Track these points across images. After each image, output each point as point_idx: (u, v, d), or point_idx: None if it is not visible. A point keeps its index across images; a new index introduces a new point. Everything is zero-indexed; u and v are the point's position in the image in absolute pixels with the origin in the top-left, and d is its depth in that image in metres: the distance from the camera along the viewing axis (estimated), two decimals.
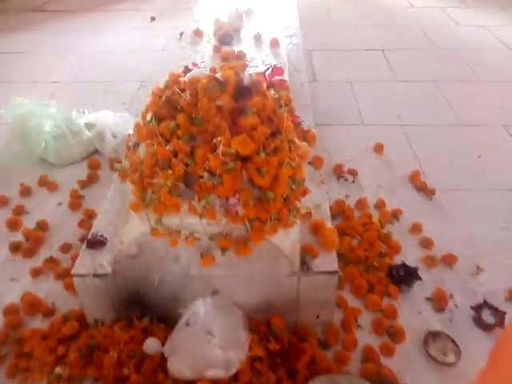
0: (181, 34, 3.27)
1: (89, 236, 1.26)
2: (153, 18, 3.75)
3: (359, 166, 1.99)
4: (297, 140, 1.12)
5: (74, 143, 2.03)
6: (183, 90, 1.13)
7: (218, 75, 1.11)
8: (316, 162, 1.54)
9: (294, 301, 1.22)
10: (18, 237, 1.67)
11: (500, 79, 2.69)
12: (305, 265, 1.16)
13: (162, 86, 1.19)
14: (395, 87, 2.65)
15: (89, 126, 2.06)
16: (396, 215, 1.72)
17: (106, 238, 1.25)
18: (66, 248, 1.61)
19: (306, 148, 1.14)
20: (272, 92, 1.22)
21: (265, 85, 1.17)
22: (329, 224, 1.28)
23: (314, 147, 1.69)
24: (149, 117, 1.09)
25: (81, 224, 1.71)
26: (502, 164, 1.99)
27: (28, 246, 1.61)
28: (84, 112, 2.22)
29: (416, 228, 1.66)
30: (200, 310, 1.07)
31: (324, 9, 3.87)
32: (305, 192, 1.16)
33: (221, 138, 1.02)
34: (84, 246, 1.24)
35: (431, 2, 4.00)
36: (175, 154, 1.04)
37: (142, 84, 2.75)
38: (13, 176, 1.96)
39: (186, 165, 1.03)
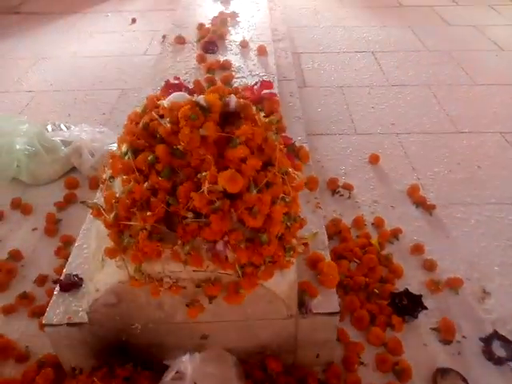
0: (163, 38, 3.13)
1: (62, 277, 1.14)
2: (133, 20, 3.59)
3: (354, 180, 1.89)
4: (291, 170, 1.01)
5: (49, 161, 1.88)
6: (162, 116, 1.01)
7: (201, 98, 0.99)
8: (310, 184, 1.42)
9: (291, 342, 1.11)
10: None
11: (494, 82, 2.61)
12: (303, 306, 1.05)
13: (138, 110, 1.07)
14: (388, 92, 2.55)
15: (65, 142, 1.92)
16: (395, 234, 1.62)
17: (81, 279, 1.13)
18: (41, 281, 1.48)
19: (301, 178, 1.03)
20: (262, 115, 1.11)
21: (254, 108, 1.05)
22: (327, 256, 1.18)
23: (306, 163, 1.60)
24: (124, 148, 0.97)
25: (57, 252, 1.59)
26: (502, 174, 1.91)
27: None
28: (60, 126, 2.08)
29: (417, 249, 1.56)
30: (187, 367, 0.95)
31: (311, 9, 3.74)
32: (301, 225, 1.05)
33: (206, 173, 0.90)
34: (57, 289, 1.11)
35: (420, 1, 3.90)
36: (154, 192, 0.92)
37: (122, 92, 2.60)
38: None
39: (167, 204, 0.91)
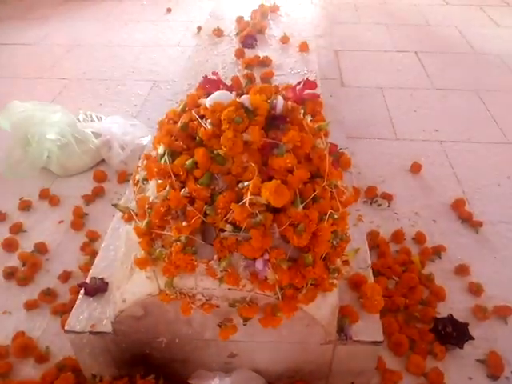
0: (198, 29, 3.06)
1: (87, 280, 1.08)
2: (168, 10, 3.53)
3: (394, 189, 1.77)
4: (339, 182, 0.91)
5: (79, 153, 1.85)
6: (203, 117, 0.93)
7: (246, 99, 0.91)
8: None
9: (325, 369, 1.03)
10: (14, 260, 1.50)
11: None
12: (343, 332, 0.96)
13: (177, 108, 0.99)
14: (432, 96, 2.40)
15: (96, 134, 1.88)
16: (438, 252, 1.50)
17: (106, 284, 1.07)
18: (65, 277, 1.44)
19: (351, 193, 0.93)
20: (309, 119, 1.02)
21: (302, 111, 0.96)
22: (370, 277, 1.08)
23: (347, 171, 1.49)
24: (161, 150, 0.89)
25: (83, 248, 1.55)
26: None
27: (24, 273, 1.45)
28: (91, 116, 2.03)
29: (462, 269, 1.44)
30: None
31: (351, 5, 3.59)
32: (346, 242, 0.96)
33: (248, 183, 0.81)
34: (81, 293, 1.06)
35: (468, 0, 3.69)
36: (191, 200, 0.85)
37: (154, 84, 2.55)
38: (12, 187, 1.80)
39: (204, 214, 0.83)
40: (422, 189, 1.80)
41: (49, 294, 1.37)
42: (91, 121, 1.97)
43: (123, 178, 1.83)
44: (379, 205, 1.72)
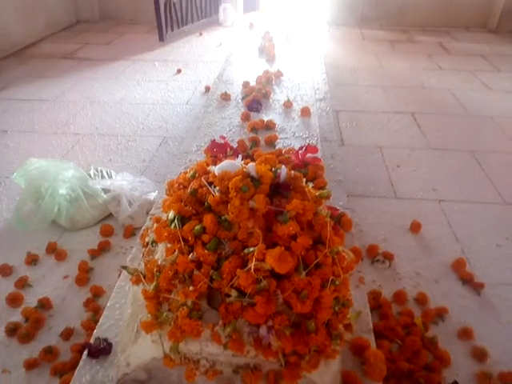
0: (206, 89, 3.25)
1: (91, 340, 1.09)
2: (179, 71, 3.76)
3: (395, 248, 1.80)
4: (341, 249, 0.95)
5: (88, 207, 1.90)
6: (212, 184, 0.99)
7: (252, 168, 0.97)
8: (354, 255, 1.35)
9: None
10: (17, 316, 1.51)
11: None
12: None
13: (188, 175, 1.06)
14: (429, 156, 2.49)
15: (105, 189, 1.95)
16: (441, 314, 1.50)
17: (110, 344, 1.07)
18: (67, 334, 1.44)
19: (352, 258, 0.97)
20: (310, 186, 1.08)
21: (304, 180, 1.03)
22: (372, 341, 1.08)
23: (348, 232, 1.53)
24: (171, 215, 0.95)
25: (86, 303, 1.56)
26: None
27: (26, 330, 1.44)
28: (102, 172, 2.12)
29: (465, 333, 1.44)
30: None
31: (350, 68, 3.83)
32: (348, 308, 0.97)
33: (254, 249, 0.86)
34: (85, 354, 1.06)
35: (460, 65, 3.93)
36: (198, 265, 0.88)
37: (163, 140, 2.66)
38: (21, 241, 1.84)
39: (211, 279, 0.87)
40: (422, 248, 1.83)
41: (50, 352, 1.36)
42: (101, 176, 2.05)
43: (129, 232, 1.87)
44: (382, 262, 1.73)
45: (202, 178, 1.01)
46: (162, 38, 4.45)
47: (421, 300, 1.56)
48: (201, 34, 4.85)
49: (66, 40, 4.68)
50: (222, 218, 0.93)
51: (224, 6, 5.16)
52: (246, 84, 2.24)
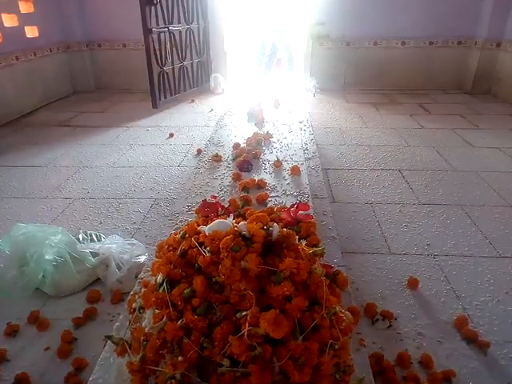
0: (198, 152, 3.33)
1: None
2: (171, 135, 3.87)
3: (393, 306, 1.74)
4: (338, 309, 0.91)
5: (74, 272, 1.84)
6: (202, 244, 0.97)
7: (244, 227, 0.96)
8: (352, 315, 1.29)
9: None
10: None
11: None
12: None
13: (177, 236, 1.04)
14: (419, 211, 2.51)
15: (94, 253, 1.90)
16: (448, 378, 1.41)
17: None
18: None
19: (350, 318, 0.92)
20: (304, 243, 1.06)
21: (297, 238, 1.01)
22: None
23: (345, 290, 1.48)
24: (159, 279, 0.91)
25: (67, 379, 1.44)
26: None
27: None
28: (91, 235, 2.08)
29: None
30: None
31: (336, 129, 3.99)
32: (350, 374, 0.91)
33: (246, 313, 0.81)
34: None
35: (441, 124, 4.12)
36: (188, 332, 0.83)
37: (154, 202, 2.66)
38: (1, 310, 1.74)
39: (202, 347, 0.81)
40: (421, 306, 1.77)
41: None
42: (91, 240, 2.01)
43: (117, 298, 1.79)
44: (383, 319, 1.66)
45: (192, 239, 0.99)
46: (155, 105, 4.63)
47: (425, 362, 1.47)
48: (193, 101, 5.07)
49: (61, 109, 4.85)
50: (213, 280, 0.90)
51: (215, 75, 5.47)
52: (236, 145, 2.30)
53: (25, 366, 1.49)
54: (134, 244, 1.96)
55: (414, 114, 4.47)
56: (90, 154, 3.46)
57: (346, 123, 4.19)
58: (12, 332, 1.63)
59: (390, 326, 1.66)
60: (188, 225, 1.04)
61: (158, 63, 4.53)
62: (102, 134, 3.97)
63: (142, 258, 1.93)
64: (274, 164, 2.09)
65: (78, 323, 1.68)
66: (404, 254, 2.13)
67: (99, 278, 1.91)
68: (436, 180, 2.92)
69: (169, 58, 4.66)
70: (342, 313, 0.92)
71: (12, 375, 1.44)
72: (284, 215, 1.45)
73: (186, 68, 5.10)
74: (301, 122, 3.00)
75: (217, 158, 2.18)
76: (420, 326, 1.66)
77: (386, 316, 1.69)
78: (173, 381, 0.76)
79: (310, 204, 1.72)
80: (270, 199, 1.74)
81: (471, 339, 1.57)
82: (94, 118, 4.45)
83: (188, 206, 1.78)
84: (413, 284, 1.87)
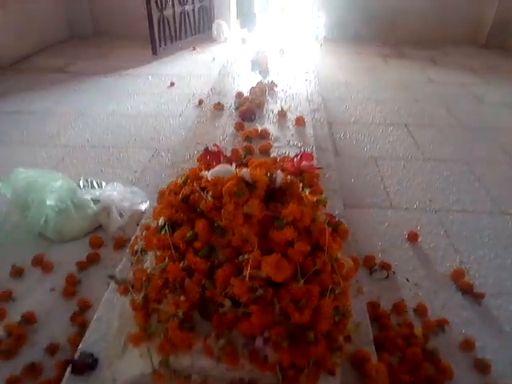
0: (199, 102, 3.24)
1: (76, 356, 1.03)
2: (172, 84, 3.75)
3: (392, 258, 1.76)
4: (339, 255, 0.91)
5: (76, 218, 1.85)
6: (204, 189, 0.95)
7: (247, 174, 0.94)
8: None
9: None
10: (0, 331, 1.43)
11: None
12: None
13: (179, 180, 1.02)
14: (423, 166, 2.48)
15: (95, 200, 1.90)
16: (441, 326, 1.46)
17: (96, 360, 1.01)
18: (52, 350, 1.36)
19: (351, 265, 0.93)
20: (307, 192, 1.04)
21: (300, 185, 0.99)
22: (374, 354, 1.03)
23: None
24: (161, 222, 0.90)
25: (73, 317, 1.48)
26: None
27: (8, 346, 1.37)
28: (92, 182, 2.07)
29: (467, 344, 1.39)
30: None
31: (343, 82, 3.85)
32: (348, 318, 0.93)
33: (248, 256, 0.81)
34: (68, 370, 1.00)
35: (451, 78, 3.98)
36: (190, 273, 0.84)
37: (155, 152, 2.63)
38: (6, 253, 1.77)
39: (203, 288, 0.82)
40: (420, 258, 1.79)
41: (33, 369, 1.29)
42: (91, 187, 2.00)
43: (120, 244, 1.81)
44: (380, 270, 1.69)
45: (195, 184, 0.97)
46: (155, 51, 4.46)
47: (420, 311, 1.51)
48: (194, 49, 4.88)
49: (58, 54, 4.67)
50: (215, 224, 0.89)
51: (218, 23, 5.21)
52: (239, 94, 2.23)
53: (31, 305, 1.53)
54: (134, 192, 1.95)
55: (425, 68, 4.31)
56: (88, 102, 3.37)
57: (353, 76, 4.05)
58: (17, 273, 1.66)
59: (388, 276, 1.69)
60: (189, 170, 1.02)
61: (157, 7, 4.30)
62: (101, 81, 3.85)
63: (143, 207, 1.93)
64: (277, 114, 2.03)
65: (82, 267, 1.71)
66: (405, 208, 2.13)
67: (101, 225, 1.92)
68: (442, 136, 2.86)
69: (169, 0, 4.42)
70: (343, 259, 0.92)
71: (19, 313, 1.48)
72: (287, 165, 1.42)
73: (188, 13, 4.85)
74: (306, 73, 2.89)
75: (219, 107, 2.11)
76: (417, 277, 1.69)
77: (384, 267, 1.71)
78: (175, 319, 0.78)
79: (314, 155, 1.69)
80: (273, 149, 1.71)
81: (466, 291, 1.61)
82: (91, 65, 4.29)
83: (189, 154, 1.76)
84: (412, 238, 1.88)
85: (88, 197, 1.86)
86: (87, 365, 0.99)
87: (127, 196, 1.92)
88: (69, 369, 0.99)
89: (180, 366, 0.79)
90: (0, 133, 2.84)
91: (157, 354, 0.80)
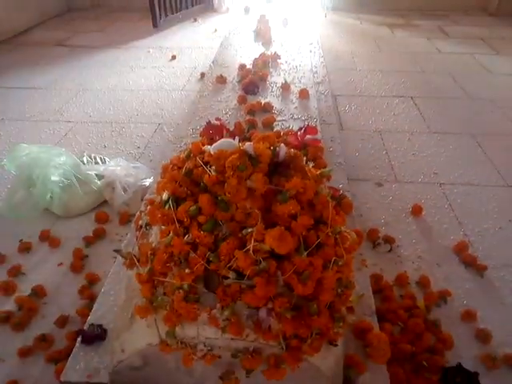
0: (201, 75, 3.18)
1: (85, 327, 1.06)
2: (173, 57, 3.68)
3: (396, 232, 1.77)
4: (343, 228, 0.91)
5: (81, 194, 1.86)
6: (207, 163, 0.95)
7: (250, 147, 0.93)
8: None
9: None
10: (11, 304, 1.47)
11: None
12: (349, 383, 0.92)
13: (182, 154, 1.01)
14: (429, 140, 2.45)
15: (100, 176, 1.90)
16: (444, 297, 1.47)
17: (105, 331, 1.04)
18: (62, 322, 1.40)
19: (355, 238, 0.93)
20: (311, 165, 1.04)
21: (304, 159, 0.98)
22: (375, 324, 1.05)
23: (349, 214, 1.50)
24: (165, 196, 0.90)
25: (81, 291, 1.52)
26: None
27: (19, 318, 1.41)
28: (95, 158, 2.07)
29: (469, 315, 1.41)
30: None
31: (348, 53, 3.76)
32: (351, 290, 0.94)
33: (252, 229, 0.82)
34: (78, 341, 1.03)
35: (459, 48, 3.87)
36: (194, 247, 0.84)
37: (158, 127, 2.61)
38: (13, 229, 1.79)
39: (208, 261, 0.83)
40: (423, 232, 1.80)
41: (44, 341, 1.33)
42: (95, 163, 2.00)
43: (125, 219, 1.83)
44: (385, 243, 1.70)
45: (198, 158, 0.96)
46: (155, 24, 4.35)
47: (423, 283, 1.53)
48: (195, 20, 4.76)
49: (57, 27, 4.57)
50: (219, 198, 0.89)
51: None
52: (242, 67, 2.18)
53: (40, 279, 1.56)
54: (138, 167, 1.95)
55: (432, 38, 4.18)
56: (89, 76, 3.32)
57: (359, 47, 3.94)
58: (25, 249, 1.69)
59: (391, 249, 1.70)
60: (192, 144, 1.02)
61: None
62: (101, 55, 3.78)
63: (147, 182, 1.94)
64: (281, 87, 2.00)
65: (89, 242, 1.73)
66: (410, 182, 2.11)
67: (105, 201, 1.93)
68: (449, 108, 2.81)
69: None
70: (347, 232, 0.92)
71: (28, 287, 1.51)
72: (291, 139, 1.41)
73: None
74: (311, 44, 2.82)
75: (221, 80, 2.08)
76: (420, 250, 1.70)
77: (388, 240, 1.72)
78: (180, 291, 0.79)
79: (318, 129, 1.67)
80: (276, 123, 1.69)
81: (469, 263, 1.62)
82: (91, 38, 4.21)
83: (192, 129, 1.74)
84: (416, 211, 1.88)
85: (92, 172, 1.87)
86: (96, 335, 1.02)
87: (131, 171, 1.92)
88: (79, 338, 1.02)
89: (186, 336, 0.81)
90: (2, 108, 2.82)
91: (163, 325, 0.82)
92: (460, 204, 1.95)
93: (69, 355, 1.07)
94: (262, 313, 0.79)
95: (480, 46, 3.96)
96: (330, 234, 0.85)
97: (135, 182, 1.88)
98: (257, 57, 2.28)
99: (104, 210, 1.88)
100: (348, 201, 1.43)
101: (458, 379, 1.19)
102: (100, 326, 1.04)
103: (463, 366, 1.23)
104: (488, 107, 2.80)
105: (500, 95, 2.96)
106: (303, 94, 1.92)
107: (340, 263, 0.85)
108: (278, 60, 2.32)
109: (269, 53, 2.39)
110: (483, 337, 1.34)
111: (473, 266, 1.61)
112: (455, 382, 1.19)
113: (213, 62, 2.50)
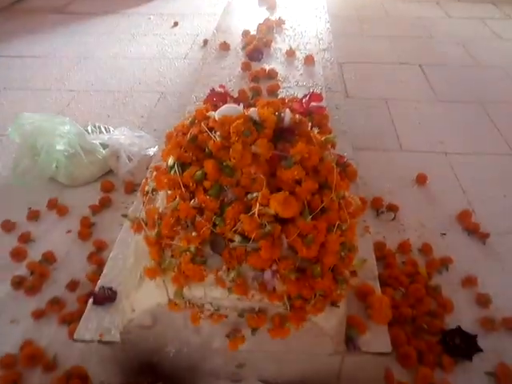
0: (204, 42, 3.11)
1: (96, 289, 1.09)
2: (175, 24, 3.59)
3: (400, 200, 1.78)
4: (347, 194, 0.92)
5: (87, 163, 1.87)
6: (212, 129, 0.95)
7: (254, 113, 0.92)
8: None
9: (333, 379, 1.03)
10: (22, 270, 1.51)
11: None
12: (351, 343, 0.96)
13: (186, 121, 1.01)
14: (436, 108, 2.42)
15: (104, 145, 1.90)
16: (445, 264, 1.50)
17: (115, 293, 1.08)
18: (72, 286, 1.45)
19: (359, 204, 0.94)
20: (316, 131, 1.03)
21: (309, 124, 0.98)
22: (377, 288, 1.08)
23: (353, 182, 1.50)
24: (170, 162, 0.91)
25: (90, 257, 1.56)
26: None
27: (32, 282, 1.46)
28: (100, 128, 2.06)
29: (469, 281, 1.44)
30: None
31: (355, 18, 3.65)
32: (354, 253, 0.96)
33: (257, 194, 0.83)
34: (90, 302, 1.07)
35: (469, 13, 3.74)
36: (200, 211, 0.86)
37: (161, 96, 2.58)
38: (20, 197, 1.82)
39: (214, 225, 0.84)
40: (427, 200, 1.81)
41: (56, 303, 1.38)
42: (99, 132, 2.00)
43: (130, 188, 1.85)
44: (388, 212, 1.71)
45: (202, 124, 0.96)
46: None
47: (425, 250, 1.55)
48: None
49: None
50: (224, 164, 0.89)
51: None
52: (246, 33, 2.13)
53: (50, 246, 1.60)
54: (142, 136, 1.95)
55: (442, 2, 4.03)
56: (90, 44, 3.26)
57: (366, 11, 3.81)
58: (34, 217, 1.72)
59: (395, 218, 1.72)
60: (197, 110, 1.01)
61: None
62: (101, 22, 3.69)
63: (152, 151, 1.94)
64: (286, 53, 1.96)
65: (95, 210, 1.76)
66: (415, 151, 2.11)
67: (111, 170, 1.94)
68: (458, 76, 2.75)
69: None
70: (351, 198, 0.93)
71: (38, 253, 1.55)
72: (295, 106, 1.39)
73: None
74: (316, 9, 2.73)
75: (225, 47, 2.04)
76: (424, 218, 1.71)
77: (391, 209, 1.73)
78: (187, 253, 0.81)
79: (324, 96, 1.65)
80: (281, 90, 1.66)
81: (472, 230, 1.63)
82: (90, 4, 4.08)
83: (196, 97, 1.72)
84: (421, 180, 1.88)
85: (96, 141, 1.87)
86: (107, 297, 1.05)
87: (135, 141, 1.92)
88: (90, 300, 1.06)
89: (193, 296, 0.84)
90: (4, 77, 2.79)
91: (171, 286, 0.84)
92: (465, 173, 1.95)
93: (80, 317, 1.11)
94: (267, 274, 0.81)
95: (491, 10, 3.83)
96: (334, 198, 0.86)
97: (139, 151, 1.88)
98: (261, 22, 2.22)
99: (109, 180, 1.89)
100: (353, 168, 1.43)
101: (456, 341, 1.23)
102: (110, 288, 1.08)
103: (462, 329, 1.27)
104: (497, 75, 2.74)
105: (509, 62, 2.89)
106: (309, 61, 1.89)
107: (344, 227, 0.86)
108: (283, 25, 2.26)
109: (273, 18, 2.33)
110: (483, 301, 1.38)
111: (475, 233, 1.63)
112: (454, 344, 1.23)
113: (216, 29, 2.44)
